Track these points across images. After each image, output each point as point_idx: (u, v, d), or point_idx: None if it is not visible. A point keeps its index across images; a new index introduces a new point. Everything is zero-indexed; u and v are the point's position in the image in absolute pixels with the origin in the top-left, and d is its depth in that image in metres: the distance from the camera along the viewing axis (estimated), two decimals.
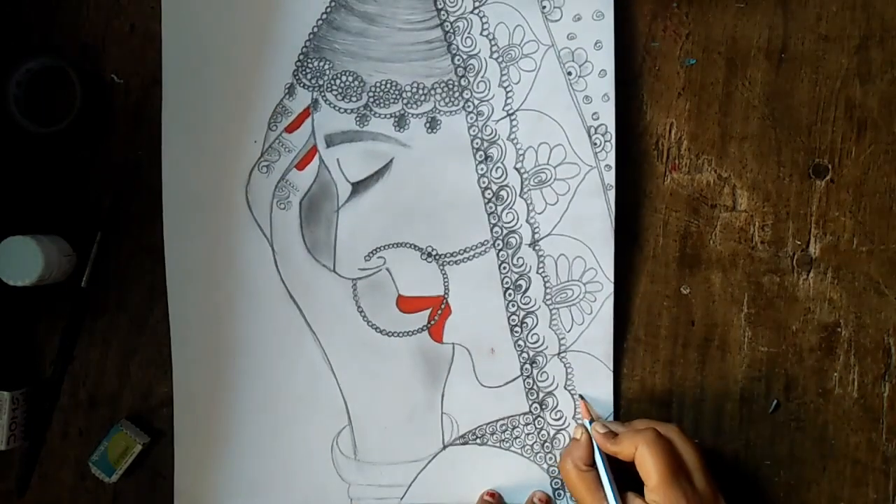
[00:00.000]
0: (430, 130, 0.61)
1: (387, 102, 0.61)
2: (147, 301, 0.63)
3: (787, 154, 0.62)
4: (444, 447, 0.62)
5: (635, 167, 0.62)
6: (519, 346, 0.61)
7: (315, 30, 0.61)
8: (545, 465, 0.61)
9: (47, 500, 0.63)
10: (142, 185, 0.62)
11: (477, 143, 0.61)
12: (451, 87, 0.61)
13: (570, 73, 0.60)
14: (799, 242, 0.62)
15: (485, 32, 0.60)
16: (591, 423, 0.59)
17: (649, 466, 0.54)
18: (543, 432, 0.61)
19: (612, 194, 0.60)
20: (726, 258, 0.62)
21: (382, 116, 0.61)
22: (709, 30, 0.62)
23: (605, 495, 0.55)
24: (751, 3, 0.61)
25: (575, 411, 0.61)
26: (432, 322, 0.61)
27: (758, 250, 0.62)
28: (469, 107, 0.60)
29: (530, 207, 0.61)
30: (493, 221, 0.61)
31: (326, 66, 0.61)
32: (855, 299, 0.61)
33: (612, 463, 0.57)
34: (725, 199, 0.62)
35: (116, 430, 0.62)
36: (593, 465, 0.57)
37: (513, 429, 0.61)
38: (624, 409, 0.62)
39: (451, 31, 0.60)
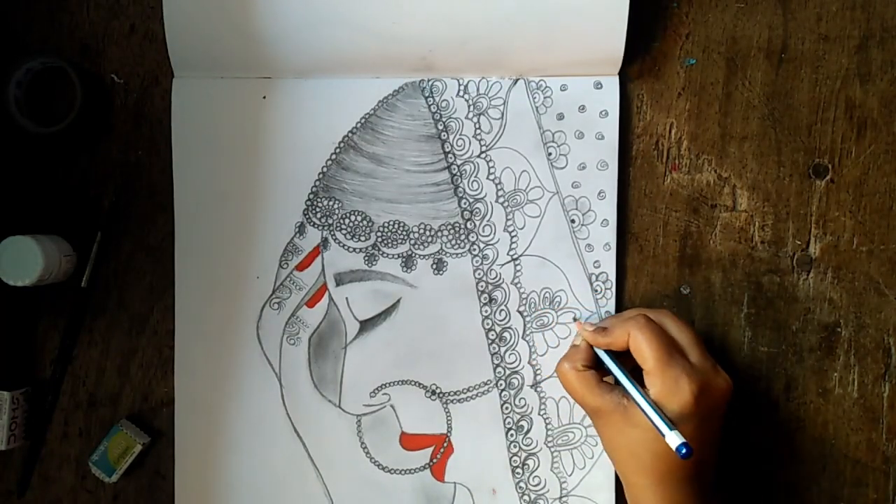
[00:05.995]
0: (436, 272, 0.61)
1: (395, 243, 0.61)
2: (147, 301, 0.63)
3: (787, 154, 0.62)
4: None
5: (635, 167, 0.62)
6: (520, 487, 0.62)
7: (325, 169, 0.62)
8: None
9: (47, 500, 0.63)
10: (142, 185, 0.63)
11: (482, 286, 0.61)
12: (457, 229, 0.61)
13: (573, 221, 0.61)
14: (799, 242, 0.62)
15: (491, 177, 0.61)
16: None
17: (644, 350, 0.54)
18: None
19: None
20: (726, 258, 0.62)
21: (390, 256, 0.61)
22: (709, 30, 0.62)
23: (619, 387, 0.55)
24: (751, 3, 0.61)
25: None
26: (434, 460, 0.62)
27: (758, 250, 0.62)
28: (475, 250, 0.61)
29: (532, 350, 0.62)
30: (496, 362, 0.62)
31: (336, 206, 0.62)
32: (855, 299, 0.61)
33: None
34: (725, 199, 0.62)
35: (116, 430, 0.62)
36: (590, 367, 0.57)
37: None
38: None
39: (458, 174, 0.61)
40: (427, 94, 0.61)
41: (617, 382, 0.56)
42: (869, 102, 0.61)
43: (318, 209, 0.62)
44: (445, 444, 0.62)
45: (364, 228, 0.62)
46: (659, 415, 0.52)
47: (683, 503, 0.54)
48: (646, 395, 0.53)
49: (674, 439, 0.51)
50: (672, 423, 0.52)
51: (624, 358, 0.56)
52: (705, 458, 0.55)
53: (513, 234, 0.61)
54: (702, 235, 0.62)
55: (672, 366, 0.53)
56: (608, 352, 0.57)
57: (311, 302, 0.62)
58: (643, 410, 0.53)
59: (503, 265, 0.61)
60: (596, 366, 0.57)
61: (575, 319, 0.61)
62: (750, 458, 0.62)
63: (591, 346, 0.57)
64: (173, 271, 0.62)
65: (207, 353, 0.62)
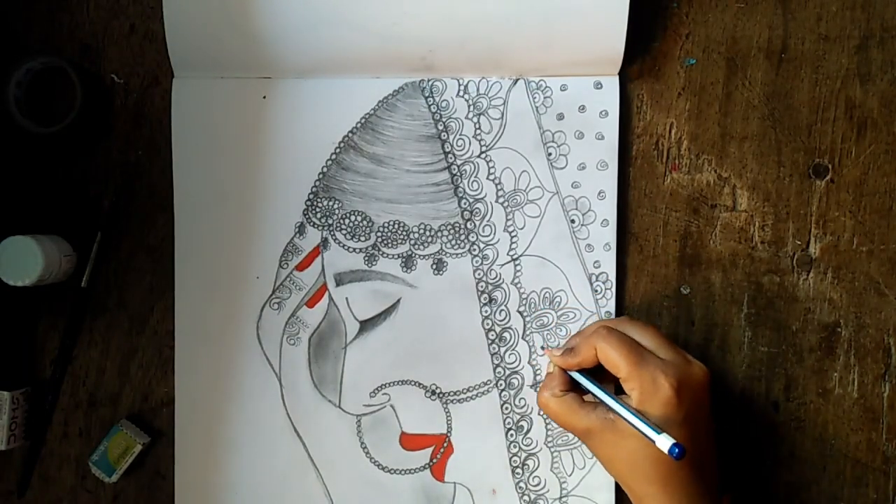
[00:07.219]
0: (436, 272, 0.61)
1: (394, 243, 0.61)
2: (147, 301, 0.63)
3: (787, 154, 0.62)
4: None
5: (635, 167, 0.62)
6: (520, 487, 0.62)
7: (325, 170, 0.62)
8: None
9: (47, 500, 0.63)
10: (142, 185, 0.63)
11: (482, 287, 0.61)
12: (457, 229, 0.61)
13: (573, 221, 0.61)
14: (799, 242, 0.62)
15: (491, 177, 0.61)
16: None
17: (614, 359, 0.54)
18: None
19: None
20: (726, 258, 0.62)
21: (390, 257, 0.61)
22: (709, 30, 0.62)
23: (601, 404, 0.55)
24: (751, 3, 0.61)
25: None
26: (434, 460, 0.62)
27: (758, 250, 0.62)
28: (475, 250, 0.61)
29: (532, 350, 0.62)
30: (495, 362, 0.62)
31: (336, 206, 0.62)
32: (855, 299, 0.61)
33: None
34: (725, 199, 0.62)
35: (116, 430, 0.62)
36: (568, 391, 0.57)
37: None
38: None
39: (458, 174, 0.61)
40: (427, 94, 0.61)
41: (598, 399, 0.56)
42: (869, 102, 0.61)
43: (318, 209, 0.62)
44: (445, 444, 0.62)
45: (364, 228, 0.62)
46: (643, 421, 0.52)
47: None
48: (627, 405, 0.53)
49: (664, 442, 0.50)
50: (658, 427, 0.51)
51: (600, 375, 0.56)
52: (704, 451, 0.54)
53: (513, 234, 0.62)
54: (702, 235, 0.62)
55: (645, 366, 0.53)
56: (582, 371, 0.57)
57: (311, 302, 0.62)
58: (627, 420, 0.53)
59: (503, 265, 0.61)
60: (574, 388, 0.57)
61: (542, 348, 0.61)
62: (750, 459, 0.62)
63: (564, 371, 0.57)
64: (173, 271, 0.62)
65: (207, 353, 0.62)
